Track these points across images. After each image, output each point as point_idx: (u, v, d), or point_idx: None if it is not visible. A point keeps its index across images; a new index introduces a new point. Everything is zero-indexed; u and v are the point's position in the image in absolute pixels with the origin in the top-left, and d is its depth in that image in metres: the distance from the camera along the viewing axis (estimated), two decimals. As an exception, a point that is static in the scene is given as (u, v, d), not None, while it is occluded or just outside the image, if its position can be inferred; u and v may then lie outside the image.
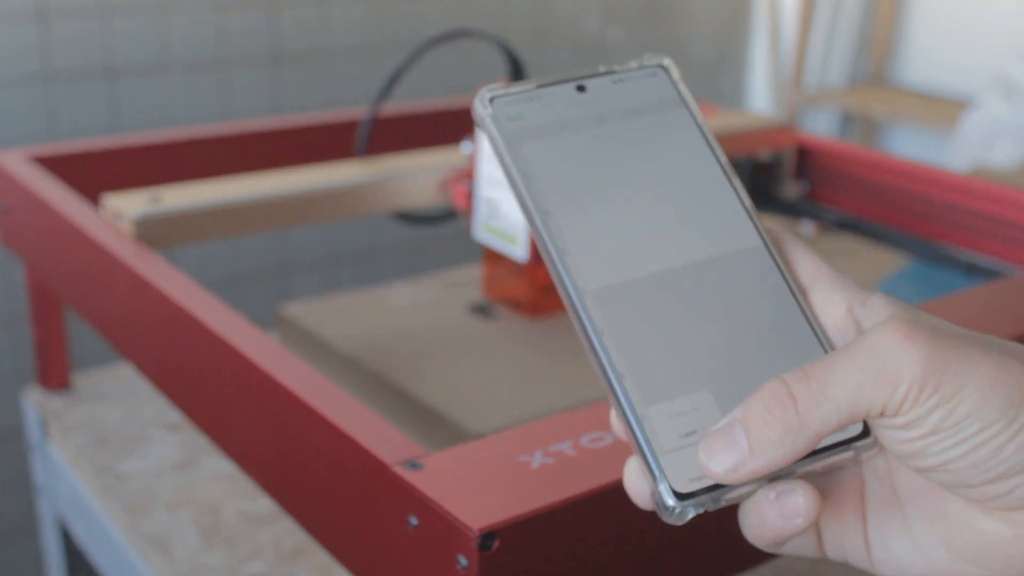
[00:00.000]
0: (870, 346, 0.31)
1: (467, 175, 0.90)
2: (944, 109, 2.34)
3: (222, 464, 0.84)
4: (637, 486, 0.33)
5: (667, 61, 0.39)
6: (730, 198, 0.37)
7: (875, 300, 0.34)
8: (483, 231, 0.88)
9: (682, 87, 0.38)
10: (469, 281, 0.97)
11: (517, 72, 0.88)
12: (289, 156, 1.02)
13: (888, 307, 0.34)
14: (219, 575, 0.72)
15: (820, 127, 2.62)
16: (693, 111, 0.38)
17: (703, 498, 0.32)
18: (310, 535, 0.58)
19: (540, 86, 0.37)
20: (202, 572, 0.72)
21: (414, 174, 0.94)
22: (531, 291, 0.88)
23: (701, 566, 0.52)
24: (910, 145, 2.55)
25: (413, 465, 0.48)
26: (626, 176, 0.36)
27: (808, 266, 0.36)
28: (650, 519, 0.49)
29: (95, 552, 0.87)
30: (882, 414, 0.31)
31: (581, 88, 0.38)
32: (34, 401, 0.95)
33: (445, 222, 0.99)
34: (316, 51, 1.83)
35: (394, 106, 1.08)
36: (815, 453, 0.33)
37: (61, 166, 0.92)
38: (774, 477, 0.32)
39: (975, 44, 2.38)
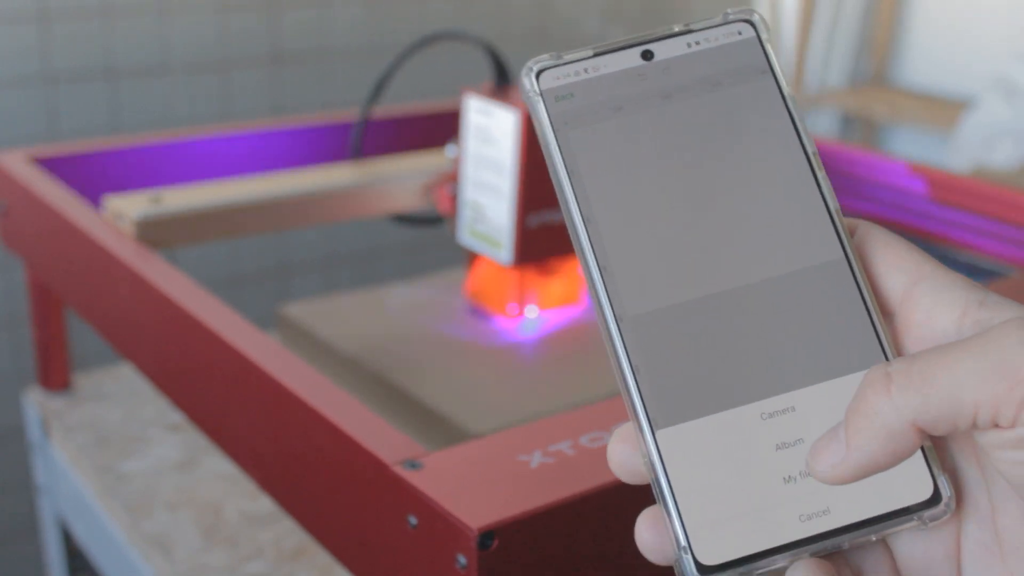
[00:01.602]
0: (990, 339, 0.26)
1: (452, 178, 0.90)
2: (944, 110, 2.34)
3: (223, 464, 0.84)
4: (653, 539, 0.29)
5: (757, 16, 0.32)
6: (812, 197, 0.31)
7: (995, 299, 0.28)
8: (468, 235, 0.87)
9: (770, 50, 0.32)
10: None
11: (502, 74, 0.87)
12: (289, 157, 1.02)
13: (1015, 307, 0.28)
14: (220, 575, 0.72)
15: (820, 128, 2.62)
16: (780, 81, 0.32)
17: (730, 572, 0.28)
18: (310, 535, 0.58)
19: (598, 53, 0.31)
20: (203, 572, 0.72)
21: (400, 177, 0.94)
22: (516, 296, 0.87)
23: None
24: (910, 146, 2.55)
25: (413, 465, 0.48)
26: (690, 171, 0.31)
27: (907, 264, 0.30)
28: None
29: (96, 552, 0.87)
30: (994, 422, 0.26)
31: (647, 55, 0.32)
32: (35, 401, 0.95)
33: (442, 224, 0.99)
34: (316, 52, 1.83)
35: (384, 109, 1.08)
36: (867, 523, 0.28)
37: (62, 166, 0.92)
38: (819, 551, 0.28)
39: (975, 45, 2.38)
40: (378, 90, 0.95)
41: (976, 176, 1.75)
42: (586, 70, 0.31)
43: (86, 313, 0.83)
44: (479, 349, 0.84)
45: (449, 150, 0.95)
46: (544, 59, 0.32)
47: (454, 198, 0.89)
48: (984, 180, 1.02)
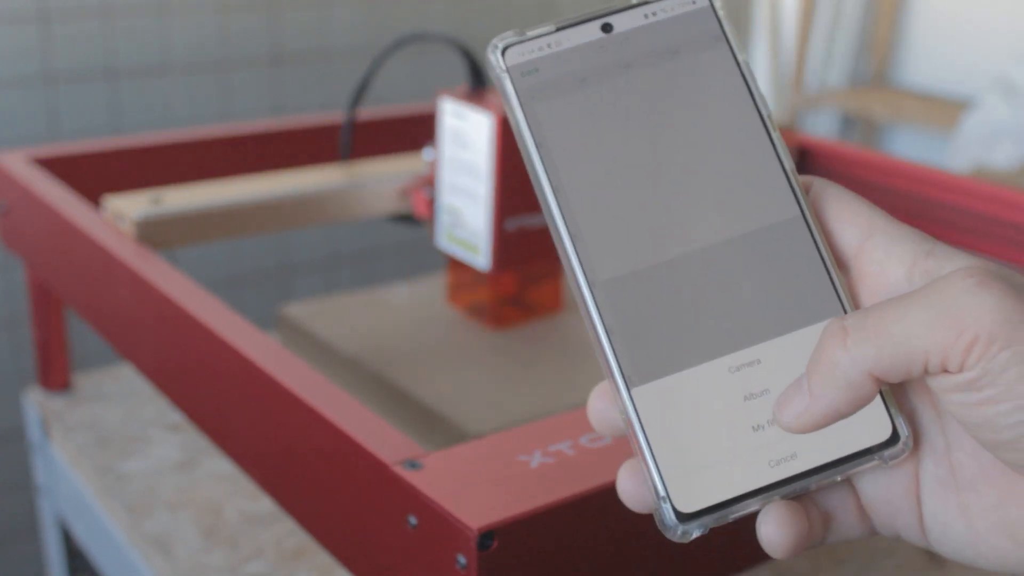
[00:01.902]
0: (937, 289, 0.27)
1: (429, 182, 0.89)
2: (944, 110, 2.34)
3: (223, 464, 0.84)
4: (634, 489, 0.31)
5: None
6: (768, 158, 0.32)
7: (943, 249, 0.30)
8: (445, 240, 0.86)
9: (723, 17, 0.33)
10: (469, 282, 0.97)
11: (476, 74, 0.86)
12: (290, 157, 1.02)
13: (961, 256, 0.29)
14: (220, 575, 0.72)
15: (821, 128, 2.62)
16: (735, 48, 0.33)
17: (707, 518, 0.30)
18: (310, 535, 0.58)
19: (560, 28, 0.33)
20: (203, 572, 0.72)
21: (377, 180, 0.93)
22: (493, 301, 0.86)
23: (701, 566, 0.53)
24: (910, 146, 2.55)
25: (413, 465, 0.48)
26: (652, 139, 0.32)
27: (860, 219, 0.32)
28: (649, 519, 0.49)
29: (96, 552, 0.87)
30: (943, 367, 0.27)
31: (607, 27, 0.33)
32: (35, 401, 0.95)
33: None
34: (316, 52, 1.83)
35: (380, 109, 1.08)
36: (832, 465, 0.30)
37: (62, 167, 0.92)
38: (789, 493, 0.30)
39: (976, 45, 2.38)
40: (360, 93, 0.95)
41: (976, 176, 1.75)
42: (549, 45, 0.33)
43: (86, 313, 0.83)
44: (479, 349, 0.84)
45: (426, 153, 0.94)
46: (509, 36, 0.33)
47: (431, 202, 0.88)
48: (984, 180, 1.02)
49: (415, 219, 0.98)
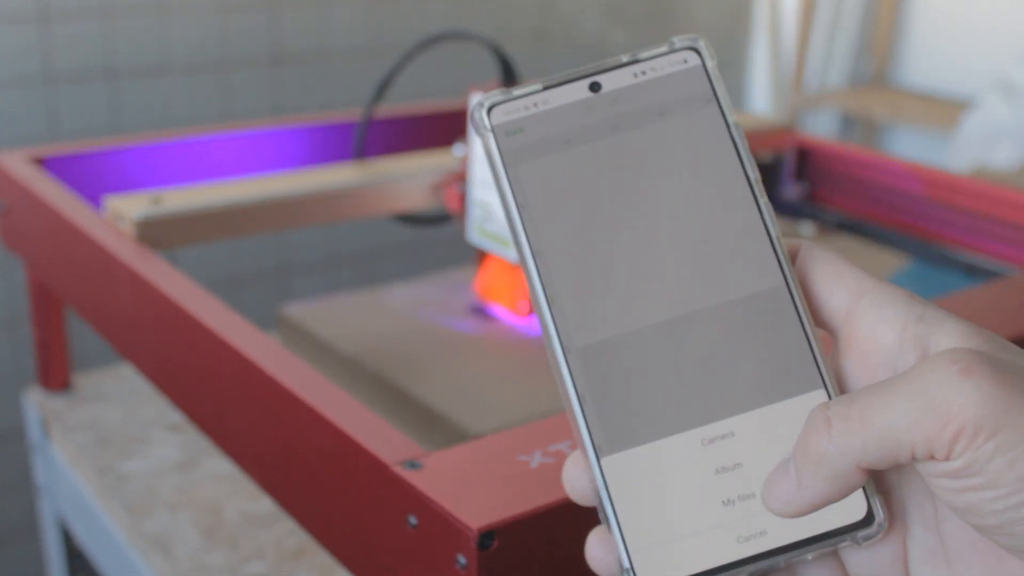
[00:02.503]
0: (920, 376, 0.27)
1: (460, 177, 0.90)
2: (944, 110, 2.34)
3: (223, 464, 0.84)
4: (603, 557, 0.31)
5: (702, 43, 0.33)
6: (754, 224, 0.32)
7: (933, 313, 0.29)
8: (477, 234, 0.88)
9: (716, 77, 0.33)
10: (469, 282, 0.97)
11: (508, 74, 0.87)
12: (290, 157, 1.02)
13: (950, 322, 0.29)
14: (220, 575, 0.72)
15: (821, 128, 2.62)
16: (725, 109, 0.32)
17: None
18: (310, 535, 0.58)
19: (547, 87, 0.32)
20: (203, 572, 0.72)
21: (408, 176, 0.94)
22: (525, 293, 0.88)
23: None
24: (910, 146, 2.55)
25: (413, 465, 0.48)
26: (636, 202, 0.32)
27: (848, 281, 0.31)
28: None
29: (96, 552, 0.87)
30: (930, 455, 0.27)
31: (595, 86, 0.32)
32: (35, 401, 0.95)
33: (444, 223, 0.99)
34: (317, 52, 1.83)
35: (390, 108, 1.08)
36: (804, 544, 0.30)
37: (62, 166, 0.92)
38: (756, 570, 0.30)
39: (976, 45, 2.38)
40: (382, 89, 0.95)
41: (976, 176, 1.75)
42: (536, 104, 0.32)
43: (86, 313, 0.83)
44: (479, 349, 0.84)
45: (457, 149, 0.95)
46: (495, 95, 0.32)
47: (463, 197, 0.89)
48: (984, 180, 1.02)
49: (419, 219, 0.98)
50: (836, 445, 0.28)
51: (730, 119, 0.32)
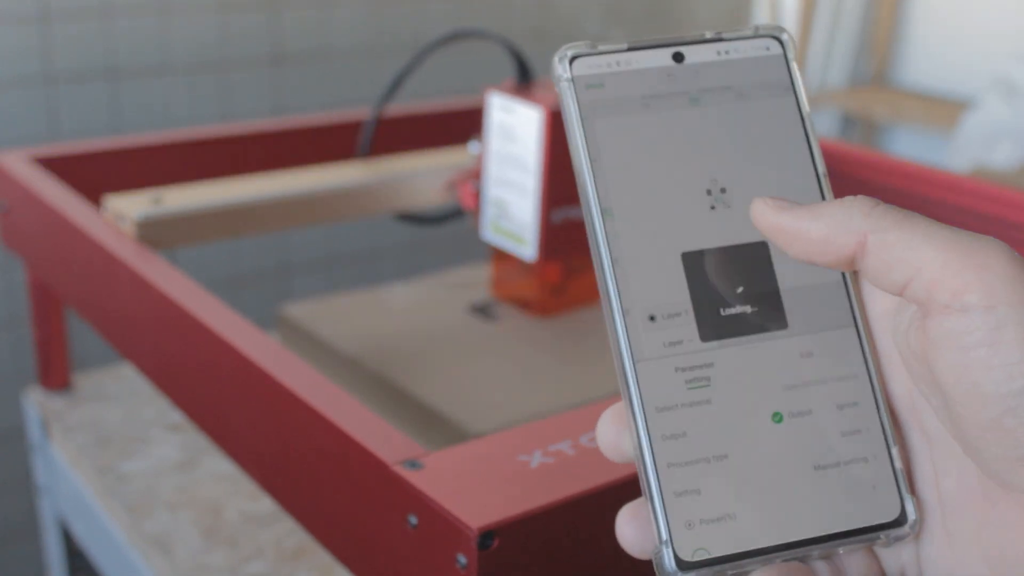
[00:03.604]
0: (974, 236, 0.29)
1: (475, 175, 0.91)
2: (945, 110, 2.34)
3: (223, 464, 0.84)
4: (634, 536, 0.31)
5: (786, 36, 0.33)
6: None
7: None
8: (491, 231, 0.88)
9: (795, 68, 0.33)
10: (469, 282, 0.97)
11: (524, 73, 0.88)
12: (290, 157, 1.02)
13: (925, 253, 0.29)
14: (220, 575, 0.72)
15: (821, 128, 2.62)
16: (801, 101, 0.33)
17: (705, 571, 0.30)
18: (310, 535, 0.58)
19: (632, 48, 0.32)
20: (203, 572, 0.72)
21: (420, 174, 0.95)
22: (540, 291, 0.88)
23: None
24: (911, 146, 2.55)
25: (413, 464, 0.48)
26: (706, 178, 0.32)
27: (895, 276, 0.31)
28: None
29: (96, 552, 0.87)
30: (930, 292, 0.28)
31: (678, 56, 0.32)
32: (35, 401, 0.95)
33: (448, 222, 0.99)
34: (317, 52, 1.83)
35: (396, 107, 1.08)
36: (837, 537, 0.30)
37: (62, 167, 0.92)
38: (788, 558, 0.30)
39: (976, 45, 2.38)
40: (395, 87, 0.95)
41: (976, 176, 1.75)
42: (618, 63, 0.32)
43: (86, 313, 0.83)
44: (479, 349, 0.84)
45: (472, 146, 0.96)
46: (579, 46, 0.32)
47: (477, 194, 0.90)
48: (984, 180, 1.02)
49: (422, 218, 0.98)
50: (862, 206, 0.29)
51: (805, 112, 0.33)
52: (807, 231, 0.30)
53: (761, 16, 2.54)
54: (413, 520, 0.47)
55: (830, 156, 1.09)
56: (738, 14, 2.51)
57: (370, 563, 0.52)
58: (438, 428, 0.74)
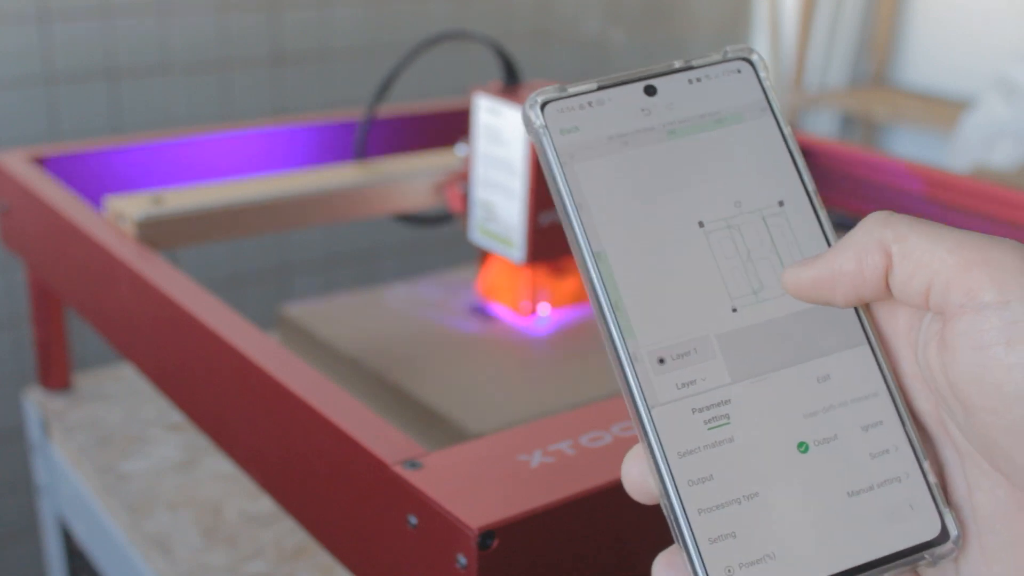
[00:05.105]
0: (987, 238, 0.29)
1: (462, 177, 0.90)
2: (944, 110, 2.34)
3: (223, 464, 0.84)
4: (639, 480, 0.31)
5: (756, 56, 0.33)
6: (815, 235, 0.32)
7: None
8: (479, 233, 0.88)
9: (769, 87, 0.33)
10: (469, 282, 0.98)
11: (511, 74, 0.88)
12: (290, 157, 1.02)
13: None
14: (220, 575, 0.72)
15: (821, 128, 2.62)
16: (780, 120, 0.33)
17: None
18: (310, 535, 0.58)
19: (602, 87, 0.32)
20: (203, 572, 0.72)
21: (410, 176, 0.95)
22: (528, 293, 0.88)
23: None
24: (910, 146, 2.55)
25: (413, 464, 0.48)
26: (695, 210, 0.31)
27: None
28: (649, 519, 0.49)
29: (96, 552, 0.87)
30: (947, 294, 0.28)
31: (650, 90, 0.32)
32: (35, 401, 0.95)
33: (446, 223, 1.00)
34: (317, 52, 1.83)
35: (392, 108, 1.08)
36: (881, 562, 0.30)
37: (62, 166, 0.92)
38: None
39: (976, 45, 2.38)
40: (384, 89, 0.95)
41: (976, 176, 1.75)
42: (590, 103, 0.32)
43: (87, 313, 0.83)
44: (479, 349, 0.84)
45: (459, 149, 0.95)
46: (549, 91, 0.31)
47: (465, 197, 0.89)
48: (984, 180, 1.02)
49: (420, 218, 0.99)
50: (879, 220, 0.29)
51: (785, 130, 0.33)
52: (840, 267, 0.30)
53: (761, 16, 2.54)
54: (413, 520, 0.47)
55: (830, 156, 1.09)
56: (738, 14, 2.51)
57: (370, 563, 0.52)
58: (438, 428, 0.74)
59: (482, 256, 0.91)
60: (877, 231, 0.29)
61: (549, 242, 0.84)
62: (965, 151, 2.10)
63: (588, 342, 0.85)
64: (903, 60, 2.56)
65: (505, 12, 2.05)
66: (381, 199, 0.94)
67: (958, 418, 0.30)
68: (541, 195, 0.82)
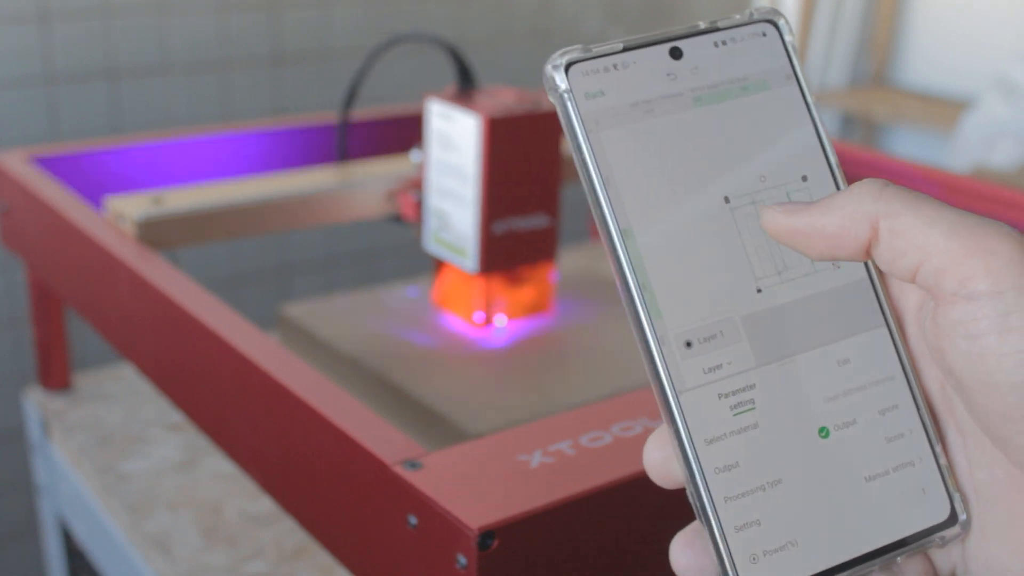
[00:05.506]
0: (982, 223, 0.28)
1: (416, 184, 0.88)
2: (944, 110, 2.34)
3: (223, 464, 0.84)
4: (691, 562, 0.30)
5: (782, 20, 0.32)
6: None
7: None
8: (433, 242, 0.86)
9: (794, 52, 0.32)
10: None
11: (466, 78, 0.84)
12: (290, 158, 1.02)
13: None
14: (220, 575, 0.72)
15: (820, 128, 2.62)
16: (804, 88, 0.32)
17: None
18: (310, 535, 0.58)
19: (627, 48, 0.30)
20: (203, 572, 0.72)
21: (364, 183, 0.93)
22: (482, 303, 0.86)
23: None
24: (911, 146, 2.55)
25: (413, 465, 0.48)
26: (722, 182, 0.30)
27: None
28: (649, 518, 0.49)
29: (96, 552, 0.87)
30: (938, 278, 0.28)
31: (676, 52, 0.30)
32: (35, 401, 0.95)
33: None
34: (317, 52, 1.83)
35: (378, 110, 1.08)
36: (896, 546, 0.30)
37: (62, 166, 0.92)
38: (853, 574, 0.29)
39: (976, 45, 2.38)
40: (351, 94, 0.94)
41: (976, 176, 1.75)
42: (615, 66, 0.30)
43: (87, 313, 0.83)
44: (479, 349, 0.84)
45: (414, 155, 0.94)
46: (573, 51, 0.30)
47: (419, 204, 0.87)
48: (984, 180, 1.02)
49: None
50: (872, 189, 0.29)
51: (809, 99, 0.32)
52: (822, 227, 0.29)
53: (761, 16, 2.54)
54: (413, 520, 0.47)
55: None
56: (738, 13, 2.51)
57: (370, 563, 0.52)
58: (438, 428, 0.74)
59: (437, 265, 0.89)
60: (868, 203, 0.29)
61: (503, 251, 0.82)
62: (965, 151, 2.10)
63: (588, 342, 0.85)
64: (903, 60, 2.56)
65: (505, 12, 2.05)
66: (334, 206, 0.91)
67: (961, 394, 0.30)
68: (494, 203, 0.80)
